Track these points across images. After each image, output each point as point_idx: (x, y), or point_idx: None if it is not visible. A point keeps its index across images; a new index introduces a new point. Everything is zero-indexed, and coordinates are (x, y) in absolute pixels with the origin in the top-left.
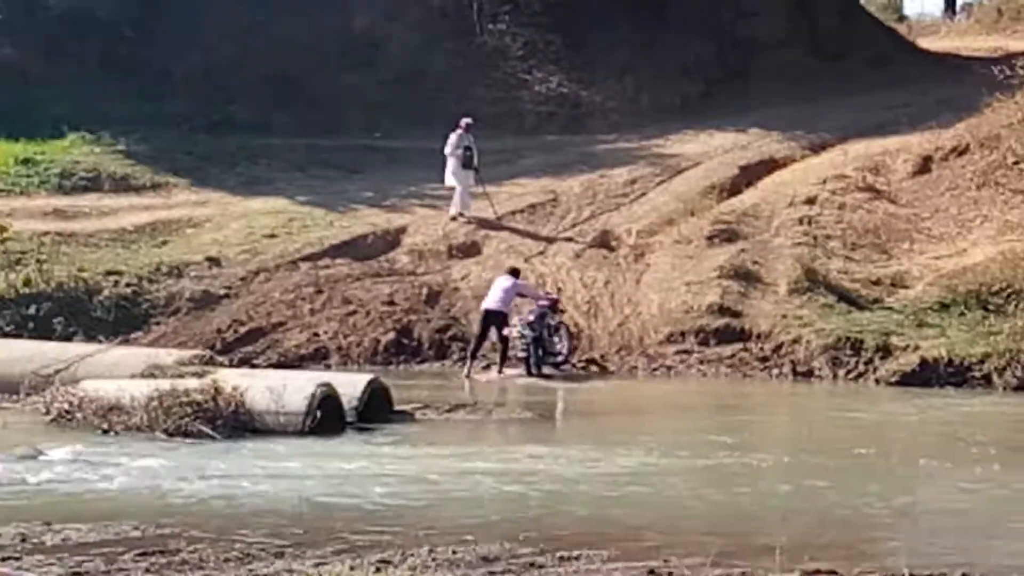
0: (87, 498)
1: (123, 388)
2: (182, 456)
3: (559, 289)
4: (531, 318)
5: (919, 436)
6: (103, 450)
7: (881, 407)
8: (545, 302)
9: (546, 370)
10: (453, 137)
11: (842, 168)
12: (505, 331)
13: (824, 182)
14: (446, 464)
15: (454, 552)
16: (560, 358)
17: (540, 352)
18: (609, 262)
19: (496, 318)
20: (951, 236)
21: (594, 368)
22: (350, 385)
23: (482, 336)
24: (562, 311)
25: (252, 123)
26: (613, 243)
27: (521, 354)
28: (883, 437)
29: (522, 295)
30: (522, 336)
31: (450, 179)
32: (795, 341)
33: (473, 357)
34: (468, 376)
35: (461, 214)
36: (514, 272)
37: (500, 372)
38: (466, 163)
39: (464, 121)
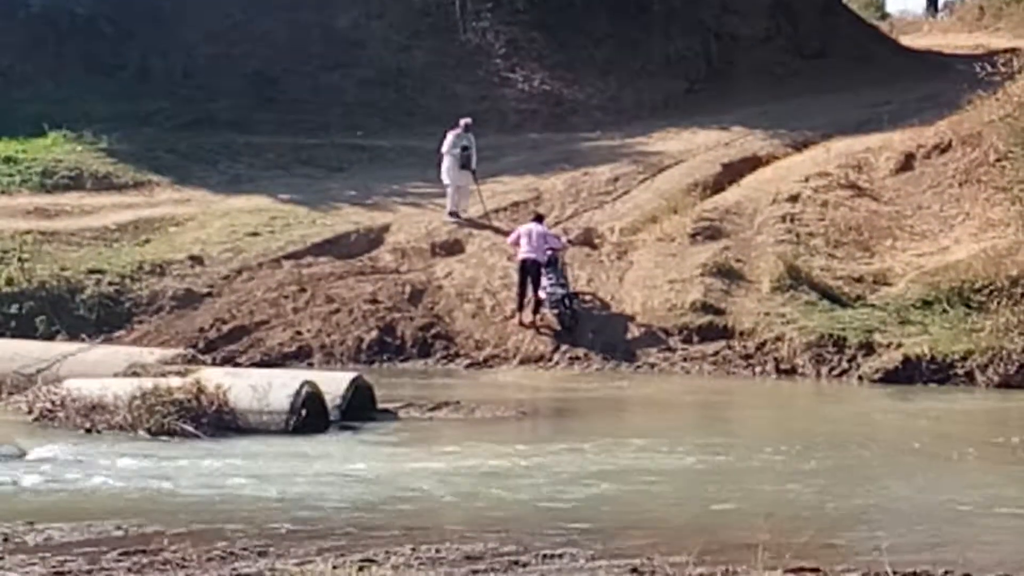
0: (70, 497)
1: (106, 387)
2: (165, 455)
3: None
4: (551, 274)
5: (902, 433)
6: (86, 449)
7: (864, 404)
8: (559, 245)
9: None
10: (450, 136)
11: (825, 166)
12: (540, 293)
13: (807, 180)
14: (429, 462)
15: (437, 550)
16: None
17: (570, 303)
18: (592, 260)
19: (534, 267)
20: (933, 233)
21: (578, 366)
22: (333, 384)
23: (523, 285)
24: (568, 242)
25: (234, 121)
26: (596, 241)
27: (555, 311)
28: (866, 434)
29: (552, 248)
30: (553, 295)
31: (445, 177)
32: (778, 339)
33: (521, 308)
34: (521, 323)
35: (455, 213)
36: (539, 218)
37: (535, 315)
38: (464, 163)
39: (463, 121)
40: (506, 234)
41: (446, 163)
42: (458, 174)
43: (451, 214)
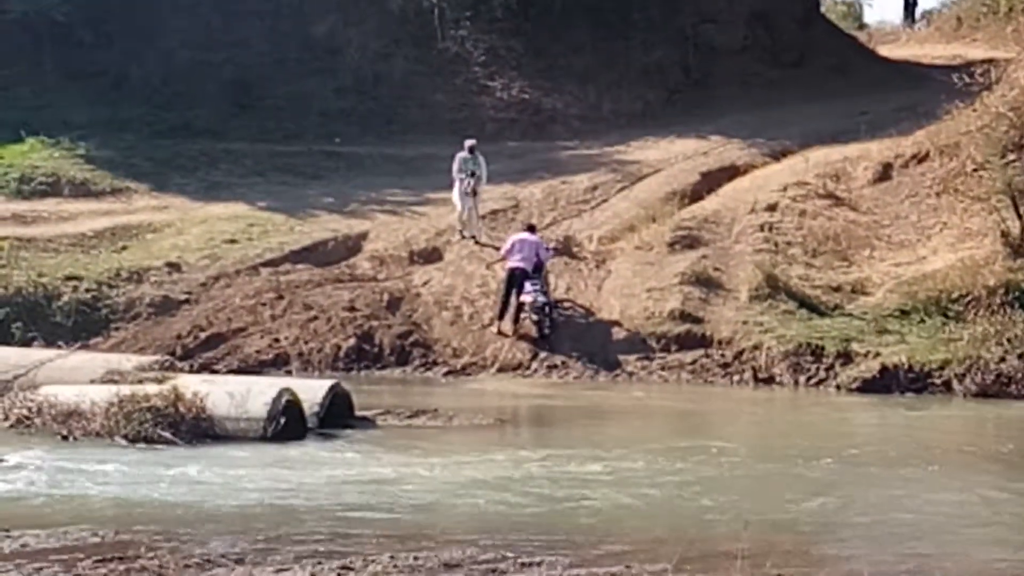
0: (45, 504)
1: (83, 394)
2: (142, 462)
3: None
4: (536, 281)
5: (880, 443)
6: (62, 456)
7: (841, 413)
8: (549, 256)
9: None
10: (457, 159)
11: (803, 175)
12: (524, 297)
13: (785, 189)
14: (407, 470)
15: (415, 558)
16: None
17: (550, 311)
18: (571, 268)
19: (522, 276)
20: (911, 243)
21: (556, 374)
22: (311, 391)
23: (509, 294)
24: (554, 251)
25: (212, 128)
26: (575, 249)
27: (534, 317)
28: (844, 444)
29: (542, 258)
30: (535, 302)
31: (456, 200)
32: (756, 347)
33: (502, 316)
34: (500, 332)
35: (473, 236)
36: (531, 228)
37: (515, 324)
38: (466, 188)
39: (468, 143)
40: (488, 245)
41: (455, 187)
42: (465, 197)
43: (471, 237)
